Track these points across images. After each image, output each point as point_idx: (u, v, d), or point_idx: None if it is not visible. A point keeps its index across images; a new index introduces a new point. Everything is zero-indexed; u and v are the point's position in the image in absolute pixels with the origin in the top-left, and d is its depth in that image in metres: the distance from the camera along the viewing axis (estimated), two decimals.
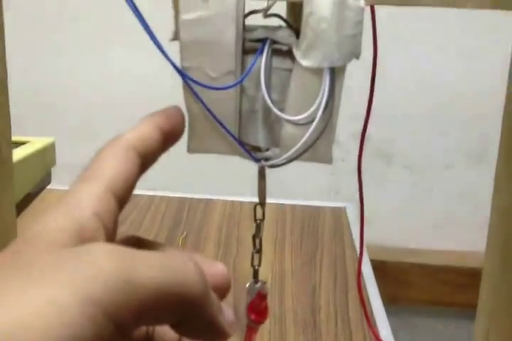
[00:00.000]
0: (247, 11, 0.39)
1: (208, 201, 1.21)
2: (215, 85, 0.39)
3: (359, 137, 0.48)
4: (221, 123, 0.39)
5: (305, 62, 0.38)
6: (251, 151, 0.42)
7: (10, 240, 0.28)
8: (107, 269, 0.25)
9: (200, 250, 1.02)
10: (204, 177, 1.71)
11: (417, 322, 1.87)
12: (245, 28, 0.39)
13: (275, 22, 0.42)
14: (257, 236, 0.48)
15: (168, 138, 0.35)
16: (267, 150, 0.42)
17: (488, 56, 1.56)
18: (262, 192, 0.46)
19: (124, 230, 1.06)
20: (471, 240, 1.69)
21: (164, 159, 0.36)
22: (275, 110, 0.39)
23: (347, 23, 0.37)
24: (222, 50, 0.38)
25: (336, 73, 0.38)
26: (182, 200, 1.20)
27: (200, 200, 1.21)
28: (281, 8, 0.43)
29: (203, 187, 1.37)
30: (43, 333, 0.23)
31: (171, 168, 1.78)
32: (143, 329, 0.33)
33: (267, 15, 0.40)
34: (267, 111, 0.41)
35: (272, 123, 0.41)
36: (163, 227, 1.09)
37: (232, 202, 1.20)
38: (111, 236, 0.31)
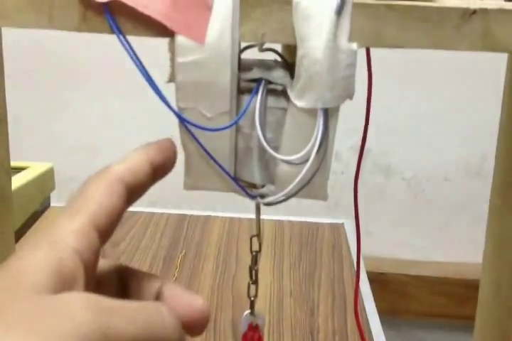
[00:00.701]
0: (243, 45, 0.40)
1: (207, 217, 1.21)
2: (211, 125, 0.39)
3: (358, 150, 0.49)
4: (216, 162, 0.40)
5: (299, 103, 0.39)
6: (247, 188, 0.42)
7: None
8: (84, 323, 0.25)
9: (199, 268, 1.02)
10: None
11: (416, 334, 1.87)
12: (241, 67, 0.40)
13: (271, 55, 0.42)
14: (253, 267, 0.48)
15: (158, 172, 0.34)
16: (263, 186, 0.42)
17: (487, 78, 1.57)
18: (258, 225, 0.47)
19: (123, 248, 1.07)
20: (470, 252, 1.69)
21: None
22: (270, 150, 0.39)
23: (339, 66, 0.38)
24: (218, 91, 0.39)
25: (329, 113, 0.39)
26: (181, 217, 1.21)
27: (199, 217, 1.21)
28: None
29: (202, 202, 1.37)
30: None
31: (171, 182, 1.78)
32: None
33: (262, 50, 0.41)
34: (262, 148, 0.41)
35: (267, 161, 0.42)
36: (162, 245, 1.09)
37: (231, 218, 1.21)
38: (91, 272, 0.31)
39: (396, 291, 1.83)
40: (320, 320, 0.88)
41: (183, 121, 0.38)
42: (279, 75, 0.40)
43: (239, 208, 1.23)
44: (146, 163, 0.34)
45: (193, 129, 0.39)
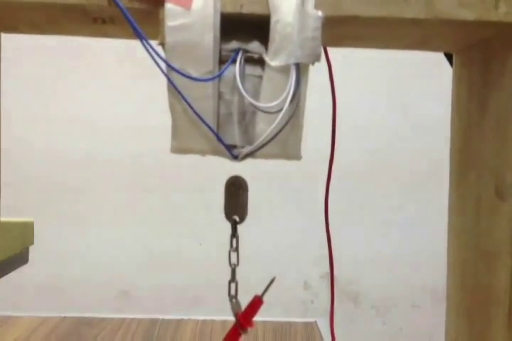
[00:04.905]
0: None
1: (179, 321, 1.20)
2: (196, 83, 0.44)
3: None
4: (201, 119, 0.44)
5: (274, 63, 0.44)
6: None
7: None
8: None
9: None
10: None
11: None
12: (221, 40, 0.46)
13: None
14: (233, 235, 0.51)
15: None
16: (243, 147, 0.46)
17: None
18: (244, 207, 0.50)
19: None
20: None
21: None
22: (249, 98, 0.44)
23: (308, 28, 0.44)
24: (202, 51, 0.44)
25: (300, 70, 0.45)
26: (153, 321, 1.20)
27: (170, 321, 1.20)
28: None
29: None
30: None
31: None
32: None
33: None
34: (242, 113, 0.46)
35: (246, 124, 0.46)
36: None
37: (204, 320, 1.20)
38: None
39: None
40: None
41: (171, 69, 0.43)
42: (255, 45, 0.46)
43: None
44: None
45: (180, 89, 0.44)
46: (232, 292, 0.52)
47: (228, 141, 0.46)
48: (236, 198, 0.50)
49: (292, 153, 0.46)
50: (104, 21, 0.49)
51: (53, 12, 0.46)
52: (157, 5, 0.44)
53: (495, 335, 0.50)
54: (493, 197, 0.49)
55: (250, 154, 0.45)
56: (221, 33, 0.45)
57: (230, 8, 0.45)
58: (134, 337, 1.12)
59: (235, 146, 0.46)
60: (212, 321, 1.20)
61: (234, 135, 0.46)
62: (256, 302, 0.53)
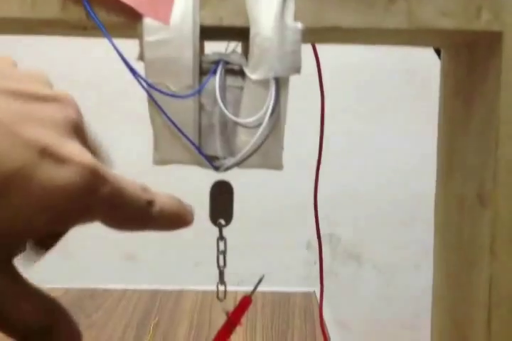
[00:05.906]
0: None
1: (180, 291, 1.22)
2: (176, 97, 0.44)
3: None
4: (181, 132, 0.45)
5: (254, 76, 0.44)
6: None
7: None
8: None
9: (172, 333, 1.03)
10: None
11: None
12: (202, 53, 0.46)
13: None
14: (221, 238, 0.52)
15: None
16: (224, 159, 0.47)
17: None
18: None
19: (95, 318, 1.08)
20: None
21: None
22: (228, 114, 0.44)
23: (287, 41, 0.44)
24: (182, 66, 0.44)
25: (280, 84, 0.44)
26: (154, 292, 1.22)
27: (171, 291, 1.22)
28: None
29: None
30: None
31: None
32: None
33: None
34: (224, 124, 0.46)
35: (228, 135, 0.46)
36: (135, 314, 1.10)
37: (204, 291, 1.22)
38: None
39: None
40: None
41: (151, 88, 0.43)
42: (236, 56, 0.46)
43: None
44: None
45: (160, 103, 0.44)
46: (221, 295, 0.53)
47: (210, 152, 0.46)
48: (221, 202, 0.51)
49: (274, 163, 0.47)
50: (85, 28, 0.48)
51: (31, 24, 0.46)
52: (135, 19, 0.44)
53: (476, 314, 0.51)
54: (476, 202, 0.50)
55: (232, 166, 0.46)
56: (201, 43, 0.45)
57: (210, 21, 0.44)
58: (135, 308, 1.14)
59: (216, 157, 0.47)
60: (213, 292, 1.21)
61: (215, 146, 0.46)
62: (245, 302, 0.55)
